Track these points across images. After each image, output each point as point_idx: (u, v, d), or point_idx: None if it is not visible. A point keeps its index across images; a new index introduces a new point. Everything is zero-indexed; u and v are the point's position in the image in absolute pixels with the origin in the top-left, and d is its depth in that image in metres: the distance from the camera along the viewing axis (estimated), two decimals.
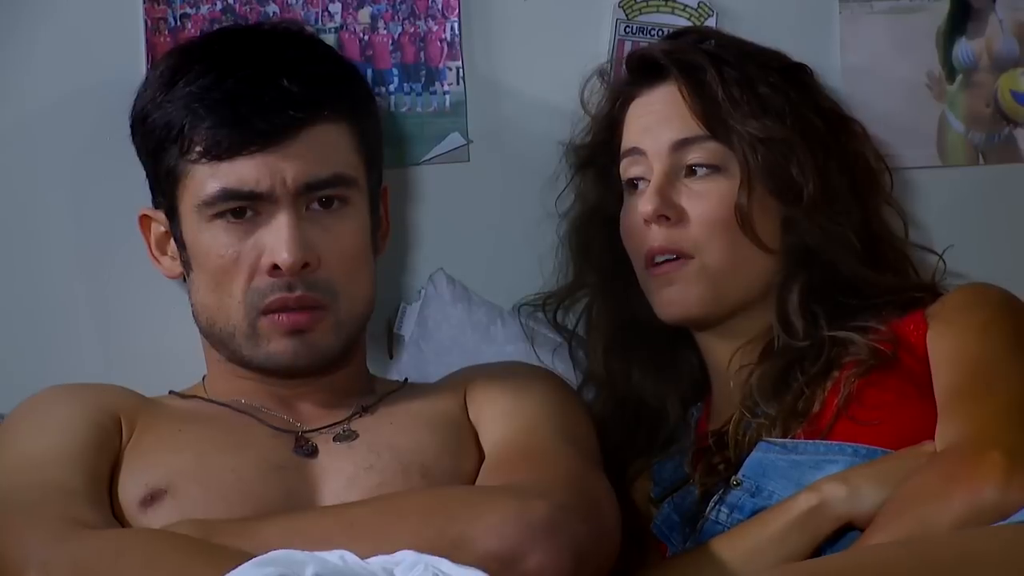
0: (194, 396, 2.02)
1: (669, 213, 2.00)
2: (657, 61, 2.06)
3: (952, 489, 1.76)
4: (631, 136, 2.07)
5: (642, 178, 2.04)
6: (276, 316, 1.93)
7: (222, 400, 1.99)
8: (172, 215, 1.98)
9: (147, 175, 2.02)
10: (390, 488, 1.86)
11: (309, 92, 1.95)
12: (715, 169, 2.01)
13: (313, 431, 1.95)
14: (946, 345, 1.92)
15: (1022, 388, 1.85)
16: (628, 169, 2.06)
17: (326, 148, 1.96)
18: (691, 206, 2.00)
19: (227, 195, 1.92)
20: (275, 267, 1.92)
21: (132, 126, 2.02)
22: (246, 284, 1.93)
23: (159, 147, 1.96)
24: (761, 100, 2.02)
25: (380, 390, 2.04)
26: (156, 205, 2.02)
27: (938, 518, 1.74)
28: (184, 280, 2.02)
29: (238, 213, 1.93)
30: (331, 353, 1.97)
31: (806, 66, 2.11)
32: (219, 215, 1.93)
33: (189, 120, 1.93)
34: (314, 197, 1.94)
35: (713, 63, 2.02)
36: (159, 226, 2.02)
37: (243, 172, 1.92)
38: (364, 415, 1.97)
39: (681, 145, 2.01)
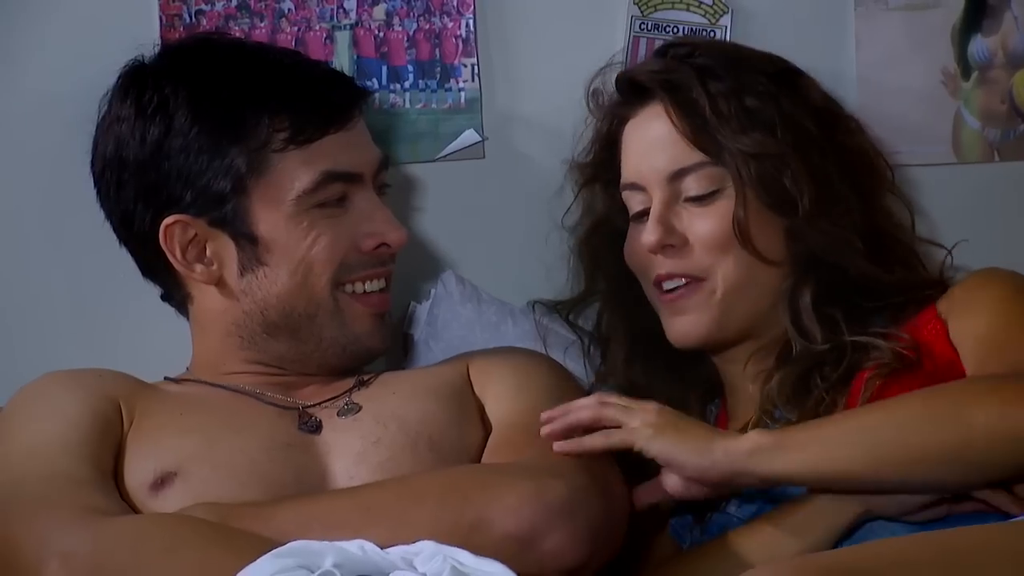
0: (188, 380, 2.00)
1: (673, 241, 2.00)
2: (643, 84, 2.05)
3: (990, 397, 1.75)
4: (629, 169, 2.06)
5: (645, 209, 2.03)
6: (364, 296, 1.98)
7: (219, 383, 1.97)
8: (227, 220, 1.95)
9: (178, 192, 1.96)
10: (399, 462, 1.85)
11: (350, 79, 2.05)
12: (714, 192, 2.00)
13: (314, 406, 1.94)
14: (967, 327, 1.92)
15: None
16: (630, 201, 2.06)
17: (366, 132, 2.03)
18: (692, 229, 2.00)
19: (330, 177, 1.94)
20: (382, 245, 1.97)
21: (146, 160, 1.97)
22: (338, 263, 1.95)
23: (215, 149, 1.93)
24: (749, 112, 2.00)
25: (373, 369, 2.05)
26: (194, 216, 1.95)
27: (973, 410, 1.74)
28: (217, 284, 1.97)
29: (337, 199, 1.96)
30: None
31: (797, 68, 2.08)
32: (319, 203, 1.94)
33: (265, 110, 1.93)
34: (380, 179, 2.00)
35: (699, 78, 2.00)
36: (187, 234, 1.95)
37: (335, 152, 1.95)
38: (363, 388, 1.97)
39: (677, 175, 2.01)
